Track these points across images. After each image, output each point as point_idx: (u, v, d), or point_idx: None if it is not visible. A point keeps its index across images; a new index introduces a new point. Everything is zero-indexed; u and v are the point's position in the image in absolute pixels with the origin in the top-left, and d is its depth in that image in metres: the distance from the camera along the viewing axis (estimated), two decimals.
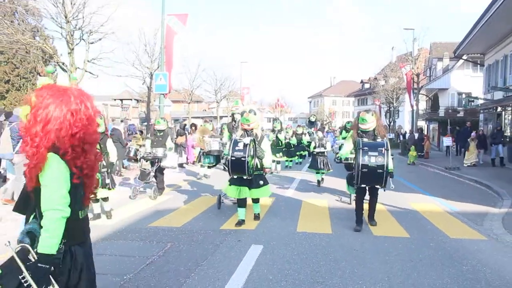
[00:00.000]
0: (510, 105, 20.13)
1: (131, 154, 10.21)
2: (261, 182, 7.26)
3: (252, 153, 6.92)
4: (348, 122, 16.73)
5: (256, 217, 7.45)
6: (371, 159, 6.36)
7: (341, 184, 10.37)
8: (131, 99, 35.78)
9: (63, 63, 14.93)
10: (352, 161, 7.17)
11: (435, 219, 7.80)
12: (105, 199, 7.64)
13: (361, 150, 6.45)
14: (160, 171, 10.01)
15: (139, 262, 5.12)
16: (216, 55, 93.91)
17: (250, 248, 5.71)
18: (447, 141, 19.07)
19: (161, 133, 10.02)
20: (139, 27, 26.06)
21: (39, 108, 2.30)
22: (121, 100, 35.53)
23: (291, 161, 17.14)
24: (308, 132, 21.74)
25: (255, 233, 6.60)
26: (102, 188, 7.27)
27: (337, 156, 8.23)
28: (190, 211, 8.32)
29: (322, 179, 12.10)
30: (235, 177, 7.06)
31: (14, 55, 23.31)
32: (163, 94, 17.28)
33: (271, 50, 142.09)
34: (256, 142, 7.13)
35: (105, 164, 7.31)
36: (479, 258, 5.46)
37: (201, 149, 12.35)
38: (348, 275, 4.75)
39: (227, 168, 7.15)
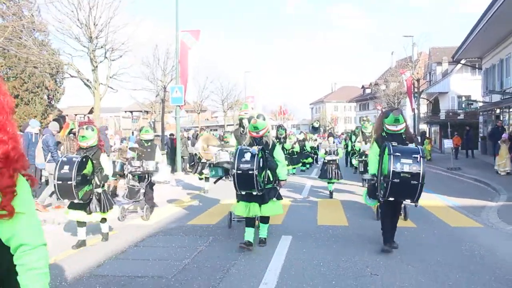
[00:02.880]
0: (508, 106, 21.18)
1: (117, 169, 8.79)
2: (273, 198, 6.33)
3: (262, 165, 6.03)
4: (357, 128, 17.61)
5: (262, 241, 6.37)
6: (404, 168, 5.35)
7: (354, 189, 11.32)
8: (141, 111, 36.96)
9: (87, 80, 16.02)
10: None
11: (438, 212, 8.83)
12: (102, 221, 6.86)
13: (392, 156, 5.39)
14: (150, 186, 8.93)
15: (191, 251, 6.13)
16: (221, 66, 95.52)
17: (281, 238, 6.72)
18: (448, 143, 20.00)
19: (149, 143, 8.98)
20: (153, 42, 27.03)
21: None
22: (131, 112, 36.72)
23: (294, 168, 17.34)
24: (311, 138, 22.68)
25: (282, 227, 7.62)
26: (95, 212, 6.57)
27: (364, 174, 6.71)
28: (214, 215, 9.35)
29: (331, 192, 11.16)
30: (243, 193, 6.11)
31: (23, 70, 24.33)
32: (178, 105, 18.47)
33: (272, 58, 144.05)
34: (267, 152, 6.22)
35: (98, 182, 6.61)
36: (475, 241, 6.48)
37: (200, 159, 11.38)
38: (367, 254, 5.79)
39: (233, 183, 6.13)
